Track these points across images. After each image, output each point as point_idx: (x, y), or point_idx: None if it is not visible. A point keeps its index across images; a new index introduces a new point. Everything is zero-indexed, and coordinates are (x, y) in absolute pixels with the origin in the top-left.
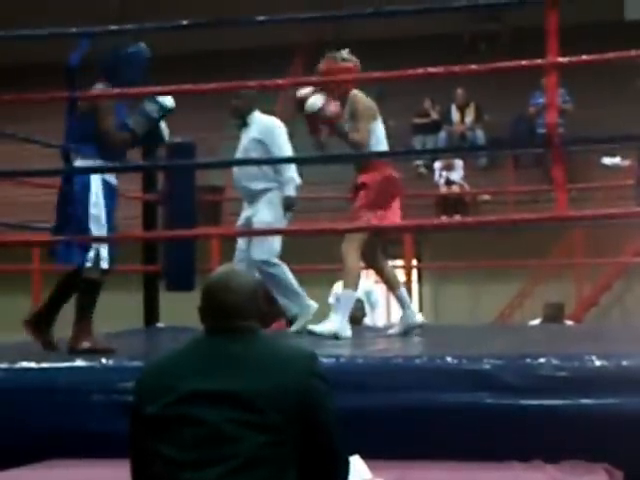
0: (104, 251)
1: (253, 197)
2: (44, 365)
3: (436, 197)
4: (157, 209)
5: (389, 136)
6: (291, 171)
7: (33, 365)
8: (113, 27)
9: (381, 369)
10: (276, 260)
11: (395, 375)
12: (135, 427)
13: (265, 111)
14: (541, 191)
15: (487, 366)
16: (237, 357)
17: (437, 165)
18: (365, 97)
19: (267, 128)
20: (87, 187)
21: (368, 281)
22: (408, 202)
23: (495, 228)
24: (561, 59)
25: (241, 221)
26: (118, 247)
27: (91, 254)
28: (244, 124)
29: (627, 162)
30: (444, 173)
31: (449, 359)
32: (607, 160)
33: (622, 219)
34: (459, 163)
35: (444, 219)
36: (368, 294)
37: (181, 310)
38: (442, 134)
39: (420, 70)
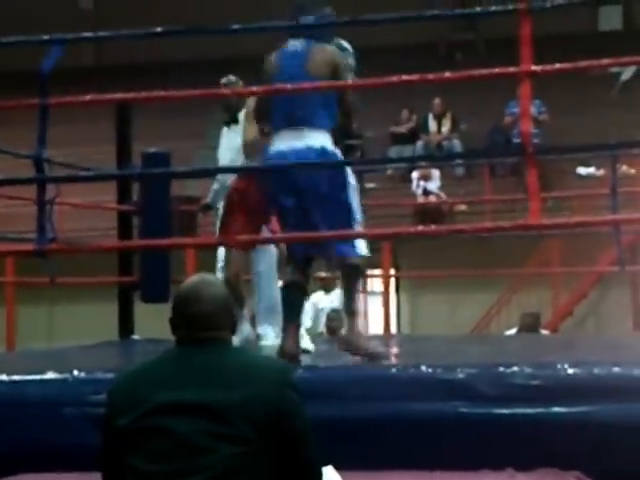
0: None
1: None
2: (15, 378)
3: (414, 207)
4: (132, 220)
5: (367, 147)
6: None
7: (4, 378)
8: (86, 34)
9: (355, 379)
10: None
11: (370, 385)
12: (107, 440)
13: None
14: (517, 200)
15: (461, 375)
16: (209, 368)
17: (415, 175)
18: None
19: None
20: (347, 179)
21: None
22: (386, 212)
23: (472, 237)
24: (534, 67)
25: None
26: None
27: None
28: (233, 121)
29: (601, 172)
30: (422, 183)
31: (423, 369)
32: (582, 170)
33: (597, 228)
34: (436, 173)
35: (421, 228)
36: (315, 304)
37: (156, 322)
38: (419, 144)
39: (394, 78)
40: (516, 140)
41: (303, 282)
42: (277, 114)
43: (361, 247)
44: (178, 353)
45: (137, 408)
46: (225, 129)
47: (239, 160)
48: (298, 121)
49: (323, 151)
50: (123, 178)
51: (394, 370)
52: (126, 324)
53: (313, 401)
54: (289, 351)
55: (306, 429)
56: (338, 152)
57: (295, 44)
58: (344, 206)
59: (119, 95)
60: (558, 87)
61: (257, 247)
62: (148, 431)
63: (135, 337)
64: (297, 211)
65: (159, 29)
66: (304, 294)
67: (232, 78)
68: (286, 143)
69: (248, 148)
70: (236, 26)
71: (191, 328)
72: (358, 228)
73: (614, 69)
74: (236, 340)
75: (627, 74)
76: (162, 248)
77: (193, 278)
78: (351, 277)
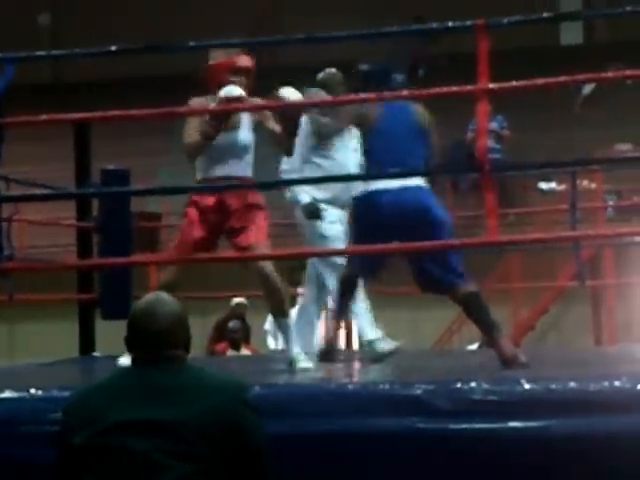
0: None
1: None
2: None
3: None
4: (92, 237)
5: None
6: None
7: None
8: (40, 53)
9: (311, 396)
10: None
11: (326, 401)
12: (62, 457)
13: None
14: (480, 216)
15: (419, 391)
16: (164, 386)
17: None
18: None
19: None
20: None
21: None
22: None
23: None
24: (491, 85)
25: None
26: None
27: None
28: None
29: (563, 187)
30: None
31: (381, 385)
32: (544, 185)
33: (557, 243)
34: None
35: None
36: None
37: (117, 339)
38: None
39: (352, 95)
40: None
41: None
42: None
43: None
44: (134, 371)
45: (92, 426)
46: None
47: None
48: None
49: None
50: (82, 197)
51: (350, 386)
52: (87, 341)
53: (270, 418)
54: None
55: (261, 446)
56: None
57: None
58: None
59: (75, 115)
60: (521, 103)
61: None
62: (103, 449)
63: (96, 354)
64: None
65: (114, 47)
66: None
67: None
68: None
69: (190, 152)
70: (192, 43)
71: (146, 346)
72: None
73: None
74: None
75: (588, 88)
76: (122, 266)
77: (148, 296)
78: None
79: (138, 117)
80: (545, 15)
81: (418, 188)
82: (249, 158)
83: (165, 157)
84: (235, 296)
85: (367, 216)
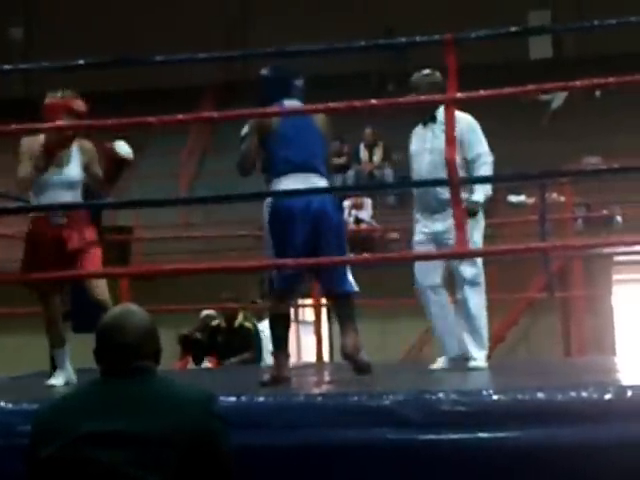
0: None
1: (443, 207)
2: None
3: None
4: None
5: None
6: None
7: None
8: (6, 67)
9: (282, 407)
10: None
11: (296, 413)
12: (31, 470)
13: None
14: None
15: (387, 402)
16: (133, 398)
17: (346, 204)
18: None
19: (463, 126)
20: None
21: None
22: None
23: (403, 265)
24: (459, 94)
25: (422, 237)
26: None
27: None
28: (432, 119)
29: (532, 200)
30: (353, 212)
31: (350, 396)
32: (513, 198)
33: (527, 254)
34: (368, 202)
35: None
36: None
37: (88, 352)
38: (350, 173)
39: (319, 106)
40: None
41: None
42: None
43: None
44: (102, 383)
45: (61, 438)
46: (420, 129)
47: (440, 164)
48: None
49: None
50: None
51: (321, 398)
52: None
53: (239, 429)
54: (284, 376)
55: (229, 458)
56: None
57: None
58: (342, 241)
59: (45, 125)
60: (490, 116)
61: None
62: (72, 461)
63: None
64: (306, 246)
65: (82, 61)
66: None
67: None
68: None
69: (23, 184)
70: (160, 57)
71: (115, 358)
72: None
73: (545, 97)
74: (60, 381)
75: (557, 102)
76: (92, 278)
77: (117, 308)
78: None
79: (107, 128)
80: (513, 29)
81: (323, 190)
82: (77, 193)
83: (136, 171)
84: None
85: (282, 219)
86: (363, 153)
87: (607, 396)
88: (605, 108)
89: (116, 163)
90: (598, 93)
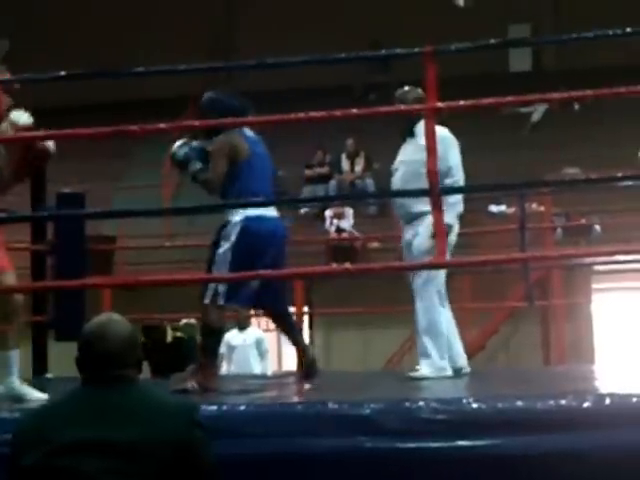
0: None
1: (412, 220)
2: None
3: (327, 244)
4: (46, 259)
5: (280, 185)
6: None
7: None
8: None
9: (261, 416)
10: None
11: (276, 421)
12: (12, 478)
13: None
14: None
15: (367, 411)
16: (115, 407)
17: (328, 213)
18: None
19: (444, 139)
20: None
21: (258, 330)
22: (299, 250)
23: (384, 274)
24: (439, 104)
25: (403, 246)
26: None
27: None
28: (410, 134)
29: (512, 209)
30: (335, 221)
31: (330, 405)
32: (494, 208)
33: (506, 264)
34: (349, 211)
35: (334, 266)
36: (258, 342)
37: (71, 360)
38: (332, 183)
39: (301, 115)
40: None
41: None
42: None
43: None
44: (84, 392)
45: (43, 447)
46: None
47: (412, 176)
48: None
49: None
50: (36, 220)
51: (300, 406)
52: (40, 363)
53: (220, 438)
54: (212, 387)
55: (211, 467)
56: None
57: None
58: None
59: (27, 134)
60: (471, 128)
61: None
62: (54, 470)
63: (49, 376)
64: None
65: (63, 73)
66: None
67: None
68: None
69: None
70: (141, 69)
71: (97, 367)
72: None
73: (525, 110)
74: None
75: (537, 115)
76: (75, 288)
77: (99, 317)
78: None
79: (88, 137)
80: (491, 42)
81: (280, 217)
82: None
83: (120, 182)
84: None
85: (250, 241)
86: (345, 163)
87: (586, 404)
88: (584, 120)
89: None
90: (577, 106)
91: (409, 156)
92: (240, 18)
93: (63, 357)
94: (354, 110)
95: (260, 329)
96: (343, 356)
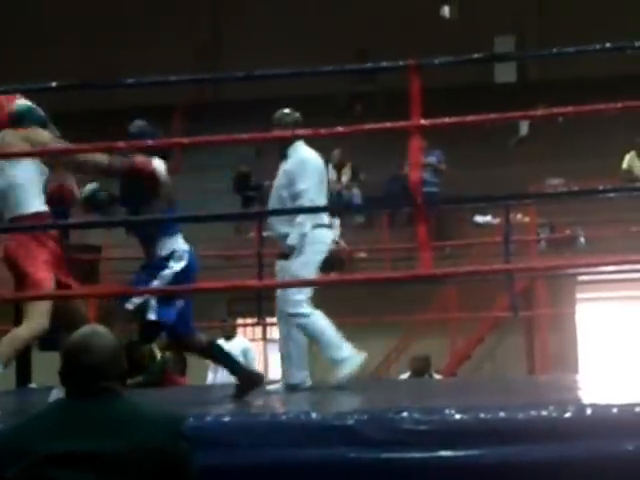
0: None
1: (279, 239)
2: None
3: None
4: None
5: (267, 196)
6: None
7: None
8: None
9: (246, 426)
10: (308, 309)
11: (259, 432)
12: None
13: None
14: (415, 248)
15: (350, 421)
16: (99, 419)
17: None
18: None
19: (297, 163)
20: None
21: (244, 339)
22: None
23: (370, 284)
24: (423, 121)
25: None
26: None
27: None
28: (284, 156)
29: (498, 220)
30: None
31: (314, 415)
32: (479, 218)
33: (491, 275)
34: (336, 222)
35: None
36: (245, 352)
37: (54, 370)
38: None
39: (288, 132)
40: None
41: None
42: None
43: None
44: (67, 404)
45: (26, 459)
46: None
47: (276, 199)
48: None
49: None
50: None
51: (284, 417)
52: (23, 373)
53: (204, 449)
54: None
55: (194, 478)
56: None
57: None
58: None
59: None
60: (458, 139)
61: None
62: None
63: (32, 386)
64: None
65: (54, 84)
66: None
67: (287, 111)
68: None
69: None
70: (131, 80)
71: (80, 379)
72: None
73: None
74: None
75: (524, 130)
76: (60, 298)
77: (83, 329)
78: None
79: (71, 152)
80: (475, 56)
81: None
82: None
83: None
84: None
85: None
86: (331, 173)
87: (569, 414)
88: (568, 132)
89: None
90: (561, 118)
91: (278, 179)
92: (226, 26)
93: (47, 367)
94: (339, 128)
95: (246, 339)
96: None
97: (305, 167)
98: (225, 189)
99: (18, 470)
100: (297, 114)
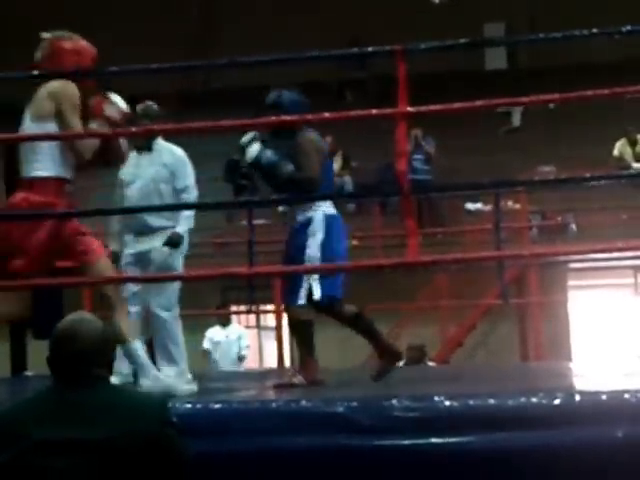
0: None
1: (147, 233)
2: None
3: None
4: None
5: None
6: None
7: None
8: None
9: (237, 414)
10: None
11: (252, 419)
12: None
13: None
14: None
15: (341, 408)
16: (86, 405)
17: None
18: None
19: (178, 157)
20: None
21: (239, 326)
22: (277, 247)
23: (361, 272)
24: (410, 108)
25: (129, 258)
26: None
27: None
28: (148, 148)
29: (489, 207)
30: None
31: (304, 402)
32: (470, 205)
33: (482, 262)
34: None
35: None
36: (239, 338)
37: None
38: None
39: (273, 118)
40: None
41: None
42: None
43: None
44: (55, 391)
45: (15, 446)
46: (134, 155)
47: (152, 191)
48: None
49: None
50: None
51: (275, 404)
52: (18, 360)
53: (194, 436)
54: (318, 379)
55: (182, 465)
56: None
57: None
58: None
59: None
60: (447, 127)
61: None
62: (26, 469)
63: (28, 373)
64: None
65: (36, 72)
66: None
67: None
68: None
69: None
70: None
71: (68, 366)
72: None
73: (500, 109)
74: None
75: (517, 118)
76: (53, 286)
77: (71, 316)
78: None
79: (61, 139)
80: (462, 41)
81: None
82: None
83: (96, 179)
84: None
85: (335, 238)
86: None
87: (560, 401)
88: (559, 119)
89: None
90: (552, 105)
91: (148, 172)
92: (219, 13)
93: (42, 355)
94: (326, 114)
95: (240, 326)
96: (322, 353)
97: (185, 163)
98: (216, 179)
99: (6, 457)
100: (155, 106)
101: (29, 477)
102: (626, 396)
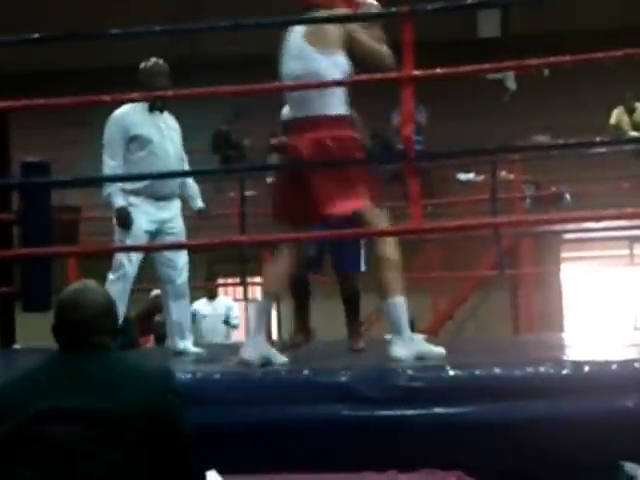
0: None
1: (169, 198)
2: None
3: None
4: (12, 229)
5: (247, 154)
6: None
7: None
8: None
9: (239, 384)
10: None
11: (253, 389)
12: None
13: None
14: (396, 207)
15: (343, 378)
16: (90, 374)
17: None
18: None
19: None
20: None
21: (227, 298)
22: (267, 219)
23: None
24: (416, 72)
25: (149, 226)
26: None
27: None
28: (161, 110)
29: (481, 177)
30: None
31: (306, 372)
32: (462, 176)
33: (478, 232)
34: None
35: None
36: (228, 310)
37: (38, 331)
38: None
39: (274, 84)
40: (399, 147)
41: None
42: None
43: None
44: (60, 359)
45: (18, 416)
46: (146, 113)
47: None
48: None
49: None
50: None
51: (277, 374)
52: (7, 334)
53: (196, 406)
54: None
55: (188, 434)
56: None
57: None
58: None
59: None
60: (441, 95)
61: None
62: (31, 439)
63: (17, 346)
64: None
65: (36, 35)
66: None
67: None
68: None
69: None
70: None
71: (72, 334)
72: None
73: (493, 76)
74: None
75: (511, 82)
76: (43, 257)
77: (75, 284)
78: None
79: (57, 106)
80: (469, 2)
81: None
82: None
83: (84, 148)
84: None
85: None
86: None
87: (554, 372)
88: (554, 88)
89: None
90: (546, 72)
91: (170, 133)
92: None
93: (30, 328)
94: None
95: (229, 297)
96: (315, 325)
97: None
98: (204, 149)
99: (10, 426)
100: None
101: (33, 447)
102: (616, 367)
